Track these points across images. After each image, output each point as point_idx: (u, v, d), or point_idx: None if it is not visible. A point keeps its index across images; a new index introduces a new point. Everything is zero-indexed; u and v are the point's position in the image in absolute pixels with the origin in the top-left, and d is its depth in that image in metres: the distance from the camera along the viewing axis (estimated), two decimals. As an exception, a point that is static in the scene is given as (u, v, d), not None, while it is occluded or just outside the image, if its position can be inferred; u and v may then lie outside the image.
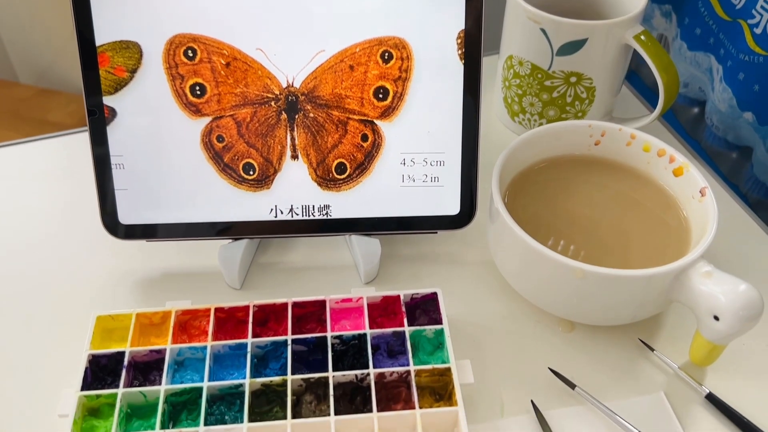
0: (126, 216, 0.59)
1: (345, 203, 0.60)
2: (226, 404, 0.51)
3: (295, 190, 0.59)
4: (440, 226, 0.61)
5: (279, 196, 0.59)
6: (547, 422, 0.52)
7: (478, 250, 0.64)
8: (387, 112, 0.58)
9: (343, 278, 0.63)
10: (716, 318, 0.50)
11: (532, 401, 0.53)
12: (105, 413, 0.50)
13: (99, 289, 0.61)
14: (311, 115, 0.58)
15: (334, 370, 0.52)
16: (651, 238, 0.58)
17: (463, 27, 0.56)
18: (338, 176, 0.59)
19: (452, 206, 0.60)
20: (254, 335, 0.54)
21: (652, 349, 0.56)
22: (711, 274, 0.51)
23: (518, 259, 0.56)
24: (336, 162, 0.59)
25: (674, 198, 0.60)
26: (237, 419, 0.50)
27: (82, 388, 0.50)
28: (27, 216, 0.68)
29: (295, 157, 0.58)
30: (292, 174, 0.59)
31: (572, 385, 0.53)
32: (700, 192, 0.57)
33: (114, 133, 0.57)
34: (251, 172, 0.58)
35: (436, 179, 0.60)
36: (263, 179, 0.59)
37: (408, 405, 0.51)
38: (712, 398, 0.53)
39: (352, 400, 0.52)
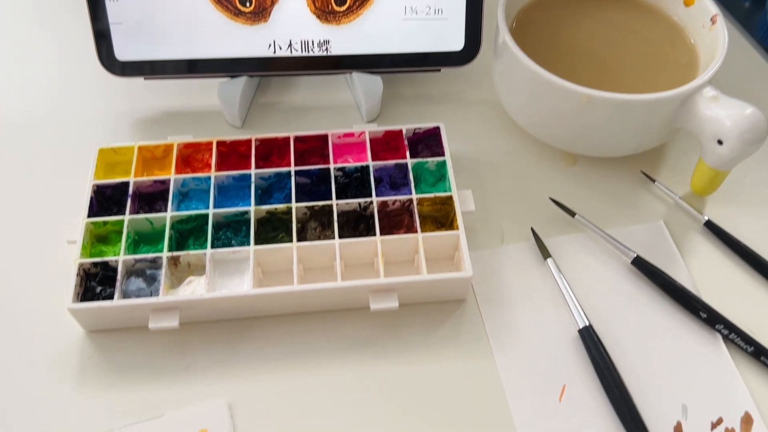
0: (122, 52, 0.57)
1: (345, 38, 0.58)
2: (232, 231, 0.52)
3: (293, 23, 0.58)
4: (444, 63, 0.60)
5: (277, 29, 0.58)
6: (547, 248, 0.53)
7: (481, 90, 0.63)
8: (389, -62, 0.56)
9: (344, 118, 0.62)
10: (720, 142, 0.50)
11: (532, 228, 0.54)
12: (113, 240, 0.51)
13: (100, 128, 0.61)
14: (309, -59, 0.55)
15: (337, 199, 0.53)
16: (659, 68, 0.57)
17: None
18: (338, 8, 0.57)
19: (456, 41, 0.59)
20: (257, 168, 0.54)
21: (654, 180, 0.56)
22: (717, 98, 0.50)
23: (524, 90, 0.55)
24: (336, -8, 0.57)
25: (683, 29, 0.58)
26: (244, 244, 0.51)
27: (89, 217, 0.51)
28: (25, 58, 0.67)
29: (293, -13, 0.56)
30: (290, 5, 0.57)
31: (572, 213, 0.54)
32: (711, 20, 0.55)
33: (104, -39, 0.55)
34: (248, 4, 0.57)
35: (440, 11, 0.58)
36: (260, 11, 0.57)
37: (410, 231, 0.51)
38: (710, 225, 0.54)
39: (356, 227, 0.52)
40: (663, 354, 0.49)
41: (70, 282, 0.48)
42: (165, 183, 0.53)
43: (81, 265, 0.49)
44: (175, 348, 0.49)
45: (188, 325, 0.50)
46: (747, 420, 0.46)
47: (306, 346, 0.49)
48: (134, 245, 0.51)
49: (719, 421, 0.46)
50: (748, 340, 0.48)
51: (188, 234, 0.52)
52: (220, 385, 0.48)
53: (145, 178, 0.53)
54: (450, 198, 0.52)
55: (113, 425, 0.46)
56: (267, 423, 0.46)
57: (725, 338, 0.49)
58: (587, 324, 0.49)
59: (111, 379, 0.48)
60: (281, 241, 0.51)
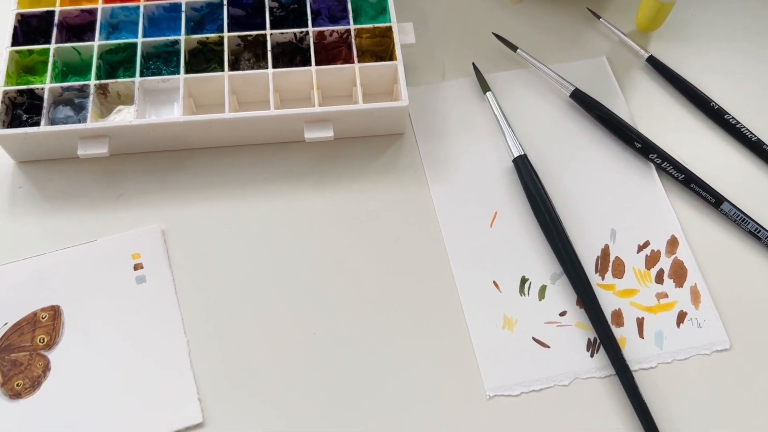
0: None
1: None
2: (162, 62, 0.50)
3: None
4: None
5: None
6: (487, 82, 0.52)
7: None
8: None
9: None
10: (664, -32, 0.49)
11: (473, 63, 0.53)
12: (39, 71, 0.49)
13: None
14: None
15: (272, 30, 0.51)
16: None
17: None
18: None
19: None
20: (189, 0, 0.52)
21: (599, 17, 0.55)
22: None
23: None
24: None
25: None
26: (174, 74, 0.49)
27: (13, 46, 0.49)
28: None
29: None
30: None
31: (514, 48, 0.53)
32: None
33: None
34: None
35: None
36: None
37: (348, 63, 0.50)
38: (653, 61, 0.53)
39: (291, 60, 0.51)
40: (596, 183, 0.49)
41: (-6, 109, 0.47)
42: (92, 13, 0.51)
43: (6, 92, 0.47)
44: (106, 178, 0.49)
45: (120, 156, 0.49)
46: (672, 242, 0.47)
47: (241, 177, 0.49)
48: (62, 75, 0.50)
49: (646, 243, 0.47)
50: (680, 168, 0.49)
51: (118, 65, 0.50)
52: (153, 213, 0.47)
53: (71, 7, 0.51)
54: (389, 29, 0.51)
55: (46, 249, 0.46)
56: (200, 248, 0.46)
57: (658, 167, 0.49)
58: (522, 153, 0.49)
59: (43, 208, 0.47)
60: (214, 71, 0.50)
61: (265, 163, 0.50)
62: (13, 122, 0.48)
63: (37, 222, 0.47)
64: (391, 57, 0.51)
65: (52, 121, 0.47)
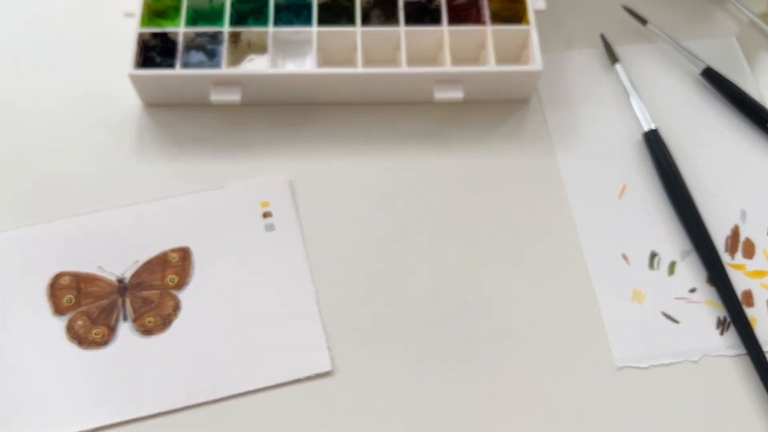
0: None
1: None
2: (293, 13, 0.50)
3: None
4: None
5: None
6: (616, 55, 0.51)
7: None
8: None
9: None
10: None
11: (601, 35, 0.52)
12: (170, 15, 0.50)
13: None
14: None
15: (403, -11, 0.50)
16: None
17: None
18: None
19: None
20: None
21: (730, -4, 0.54)
22: None
23: None
24: None
25: None
26: (305, 26, 0.49)
27: (146, -10, 0.49)
28: None
29: None
30: None
31: (644, 21, 0.52)
32: None
33: None
34: None
35: None
36: None
37: (477, 25, 0.50)
38: (785, 44, 0.52)
39: (419, 20, 0.51)
40: (726, 162, 0.48)
41: (130, 50, 0.47)
42: (224, -39, 0.51)
43: (141, 35, 0.48)
44: (233, 127, 0.49)
45: (248, 106, 0.49)
46: (805, 227, 0.46)
47: (368, 134, 0.49)
48: (191, 21, 0.50)
49: (777, 226, 0.46)
50: (814, 153, 0.48)
51: (247, 14, 0.50)
52: (281, 164, 0.47)
53: (204, -45, 0.51)
54: (521, -6, 0.50)
55: (174, 192, 0.46)
56: (325, 201, 0.46)
57: (791, 151, 0.48)
58: (653, 127, 0.48)
59: (170, 151, 0.48)
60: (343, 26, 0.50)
61: (390, 121, 0.49)
62: (146, 64, 0.48)
63: (165, 165, 0.47)
64: (520, 20, 0.50)
65: (186, 65, 0.47)
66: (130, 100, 0.49)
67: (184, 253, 0.44)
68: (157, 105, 0.49)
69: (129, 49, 0.47)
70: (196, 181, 0.46)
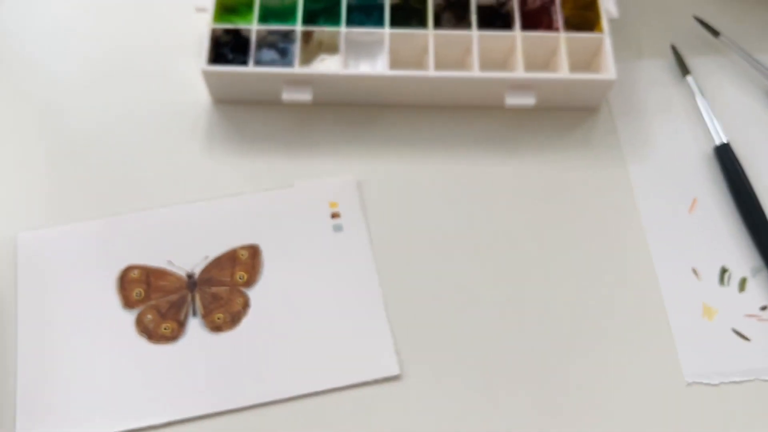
0: None
1: None
2: (364, 14, 0.50)
3: None
4: None
5: None
6: (687, 67, 0.51)
7: None
8: None
9: None
10: None
11: (672, 46, 0.52)
12: (241, 11, 0.49)
13: None
14: None
15: (475, -7, 0.50)
16: None
17: None
18: None
19: None
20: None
21: (805, 9, 0.53)
22: None
23: None
24: None
25: None
26: (376, 28, 0.49)
27: (218, -13, 0.50)
28: None
29: None
30: None
31: (716, 33, 0.51)
32: None
33: None
34: None
35: None
36: None
37: (549, 31, 0.49)
38: None
39: (490, 24, 0.50)
40: (799, 179, 0.48)
41: (203, 46, 0.47)
42: (296, -41, 0.51)
43: (214, 30, 0.48)
44: (303, 125, 0.49)
45: (316, 106, 0.49)
46: None
47: (436, 137, 0.48)
48: (262, 19, 0.49)
49: None
50: None
51: (317, 14, 0.50)
52: (348, 164, 0.47)
53: (276, -48, 0.51)
54: (594, 2, 0.50)
55: (242, 189, 0.46)
56: (392, 203, 0.46)
57: None
58: (724, 141, 0.47)
59: (239, 148, 0.48)
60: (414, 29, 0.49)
61: (459, 125, 0.49)
62: (218, 60, 0.48)
63: (234, 162, 0.47)
64: (591, 28, 0.50)
65: (258, 63, 0.47)
66: (200, 96, 0.49)
67: (254, 251, 0.44)
68: (226, 101, 0.49)
69: (201, 45, 0.47)
70: (264, 179, 0.47)
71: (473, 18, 0.49)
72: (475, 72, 0.47)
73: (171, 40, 0.51)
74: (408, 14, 0.50)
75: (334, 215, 0.45)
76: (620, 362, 0.42)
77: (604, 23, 0.49)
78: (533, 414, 0.40)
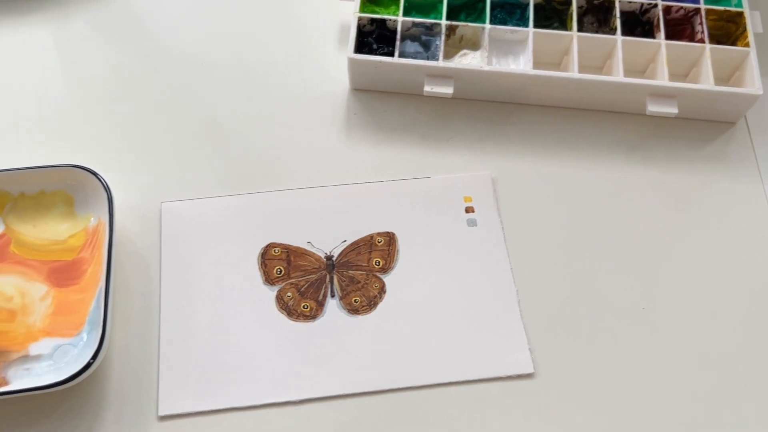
0: None
1: None
2: (506, 12, 0.50)
3: None
4: None
5: None
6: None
7: None
8: None
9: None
10: None
11: (816, 64, 0.51)
12: (383, 2, 0.50)
13: None
14: None
15: None
16: None
17: None
18: None
19: None
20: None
21: None
22: None
23: None
24: None
25: None
26: (518, 26, 0.49)
27: (364, -21, 0.50)
28: None
29: None
30: None
31: None
32: None
33: None
34: None
35: None
36: None
37: (691, 42, 0.49)
38: None
39: (630, 31, 0.50)
40: None
41: (350, 34, 0.48)
42: (441, -46, 0.52)
43: (360, 19, 0.48)
44: (437, 119, 0.49)
45: (453, 99, 0.49)
46: None
47: (572, 139, 0.49)
48: (405, 11, 0.50)
49: None
50: None
51: (459, 9, 0.51)
52: (481, 160, 0.48)
53: (421, -54, 0.52)
54: (740, 15, 0.49)
55: (377, 177, 0.47)
56: (526, 202, 0.46)
57: None
58: None
59: (376, 136, 0.48)
60: (557, 29, 0.49)
61: (596, 129, 0.49)
62: (362, 49, 0.49)
63: (370, 149, 0.48)
64: (733, 42, 0.49)
65: (402, 55, 0.48)
66: (339, 83, 0.50)
67: (390, 238, 0.45)
68: (364, 90, 0.50)
69: (344, 34, 0.48)
70: (399, 168, 0.47)
71: (618, 23, 0.49)
72: (620, 77, 0.47)
73: (310, 28, 0.53)
74: (548, 15, 0.50)
75: (469, 210, 0.46)
76: (749, 373, 0.41)
77: (751, 38, 0.48)
78: (668, 419, 0.40)
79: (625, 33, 0.50)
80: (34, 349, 0.40)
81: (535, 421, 0.40)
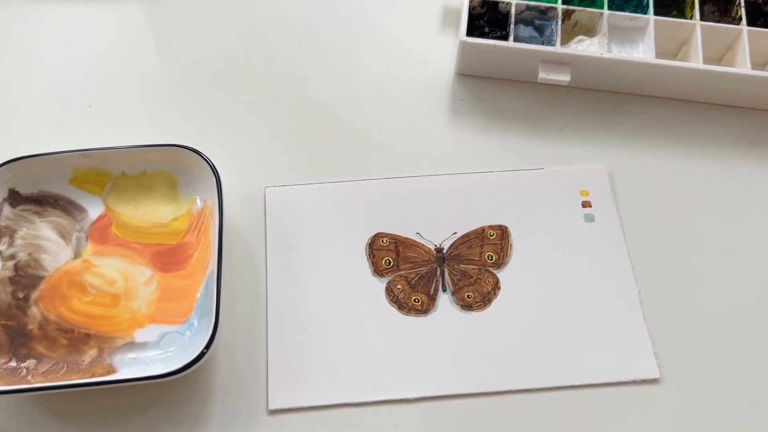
0: None
1: None
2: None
3: None
4: None
5: None
6: None
7: None
8: None
9: None
10: None
11: None
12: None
13: None
14: None
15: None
16: None
17: None
18: None
19: None
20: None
21: None
22: None
23: None
24: None
25: None
26: (636, 13, 0.47)
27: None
28: None
29: None
30: None
31: None
32: None
33: None
34: None
35: None
36: None
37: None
38: None
39: (752, 21, 0.48)
40: None
41: (461, 17, 0.45)
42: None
43: (471, 1, 0.46)
44: (548, 107, 0.47)
45: (565, 88, 0.47)
46: None
47: (689, 133, 0.46)
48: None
49: None
50: None
51: (573, -6, 0.48)
52: (596, 152, 0.45)
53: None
54: None
55: (486, 166, 0.45)
56: (645, 197, 0.44)
57: None
58: None
59: (484, 124, 0.46)
60: (675, 17, 0.47)
61: (717, 123, 0.47)
62: (473, 33, 0.47)
63: (478, 137, 0.46)
64: None
65: (515, 39, 0.46)
66: (443, 67, 0.48)
67: (503, 232, 0.43)
68: (470, 75, 0.48)
69: (451, 17, 0.46)
70: (510, 158, 0.45)
71: (743, 12, 0.46)
72: (747, 69, 0.44)
73: (412, 10, 0.50)
74: (666, 3, 0.48)
75: (585, 204, 0.44)
76: None
77: None
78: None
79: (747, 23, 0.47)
80: (139, 335, 0.38)
81: (661, 431, 0.38)
